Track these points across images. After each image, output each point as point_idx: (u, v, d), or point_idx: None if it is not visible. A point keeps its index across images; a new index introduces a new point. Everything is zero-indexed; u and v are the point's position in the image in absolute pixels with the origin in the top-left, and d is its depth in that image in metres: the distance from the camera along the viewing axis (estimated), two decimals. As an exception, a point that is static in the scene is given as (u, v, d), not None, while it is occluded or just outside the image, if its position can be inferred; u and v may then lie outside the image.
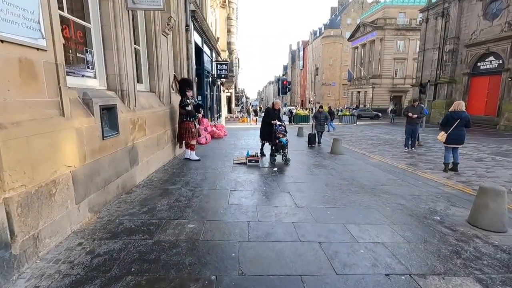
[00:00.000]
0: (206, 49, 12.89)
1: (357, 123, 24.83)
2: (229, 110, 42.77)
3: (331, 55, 62.79)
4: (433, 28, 25.27)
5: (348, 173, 6.11)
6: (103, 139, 3.50)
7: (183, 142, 6.76)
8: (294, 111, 28.30)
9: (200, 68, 12.25)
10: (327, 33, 62.84)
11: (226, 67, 16.11)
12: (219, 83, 20.43)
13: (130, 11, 4.38)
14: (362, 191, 4.73)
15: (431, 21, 25.64)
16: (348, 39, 51.12)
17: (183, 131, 6.56)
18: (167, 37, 6.49)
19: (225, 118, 24.48)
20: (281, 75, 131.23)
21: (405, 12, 42.88)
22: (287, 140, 6.85)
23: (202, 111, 7.06)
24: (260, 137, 7.35)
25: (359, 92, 46.57)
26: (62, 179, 2.76)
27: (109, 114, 3.73)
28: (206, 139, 10.02)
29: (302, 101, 78.95)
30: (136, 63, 6.09)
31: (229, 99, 45.68)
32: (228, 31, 42.35)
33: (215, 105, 16.17)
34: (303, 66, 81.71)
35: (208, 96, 14.07)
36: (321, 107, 11.69)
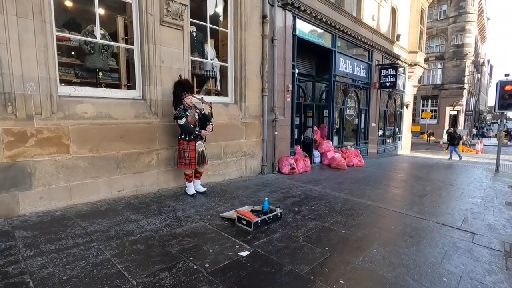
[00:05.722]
0: (344, 49, 9.68)
1: None
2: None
3: None
4: None
5: None
6: None
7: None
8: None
9: (325, 74, 9.36)
10: None
11: (394, 72, 11.46)
12: (405, 97, 15.27)
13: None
14: None
15: None
16: None
17: (177, 154, 4.71)
18: (182, 30, 4.97)
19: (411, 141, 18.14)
20: None
21: None
22: None
23: (211, 126, 4.75)
24: None
25: None
26: None
27: None
28: (293, 168, 7.22)
29: None
30: (127, 65, 5.17)
31: (454, 119, 34.50)
32: (461, 29, 32.40)
33: (371, 123, 11.99)
34: None
35: (343, 111, 10.50)
36: None
